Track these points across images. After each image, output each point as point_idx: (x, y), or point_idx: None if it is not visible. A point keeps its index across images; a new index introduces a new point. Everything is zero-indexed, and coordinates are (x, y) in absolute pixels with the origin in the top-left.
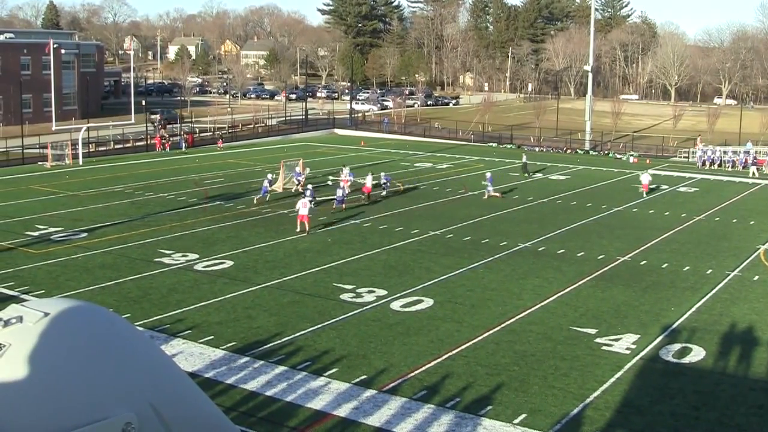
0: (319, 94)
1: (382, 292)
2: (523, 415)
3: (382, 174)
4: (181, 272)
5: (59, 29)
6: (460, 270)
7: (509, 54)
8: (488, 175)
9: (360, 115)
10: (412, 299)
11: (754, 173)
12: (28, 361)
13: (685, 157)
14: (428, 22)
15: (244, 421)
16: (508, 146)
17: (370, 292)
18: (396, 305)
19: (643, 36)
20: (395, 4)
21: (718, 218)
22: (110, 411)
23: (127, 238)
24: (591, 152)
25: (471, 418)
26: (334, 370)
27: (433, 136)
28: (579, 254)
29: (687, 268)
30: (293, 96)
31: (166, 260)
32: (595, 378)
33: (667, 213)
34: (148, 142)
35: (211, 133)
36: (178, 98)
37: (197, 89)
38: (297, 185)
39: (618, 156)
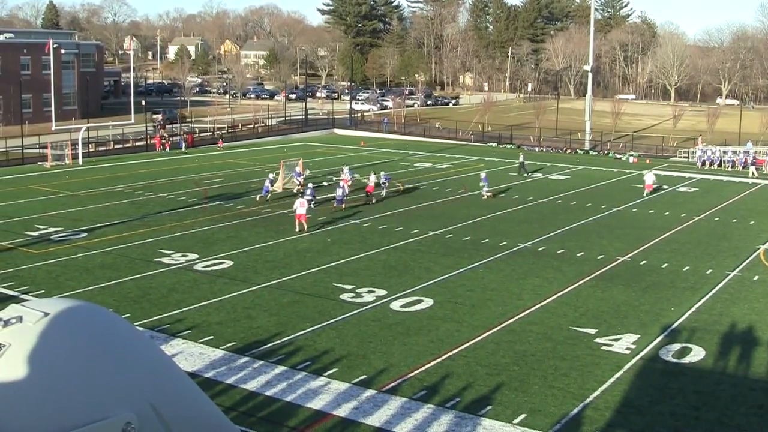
0: (318, 94)
1: (382, 292)
2: (523, 415)
3: (382, 173)
4: (180, 272)
5: (59, 29)
6: (460, 270)
7: (509, 54)
8: (483, 175)
9: (360, 115)
10: (411, 299)
11: (753, 173)
12: (28, 361)
13: (684, 157)
14: (428, 22)
15: (244, 421)
16: (508, 146)
17: (369, 292)
18: (396, 305)
19: (643, 36)
20: (395, 4)
21: (717, 218)
22: (110, 411)
23: (126, 238)
24: (591, 152)
25: (471, 418)
26: (333, 370)
27: (432, 136)
28: (579, 254)
29: (687, 268)
30: (293, 96)
31: (165, 260)
32: (595, 378)
33: (666, 213)
34: (148, 142)
35: (210, 133)
36: (178, 98)
37: (197, 89)
38: (297, 185)
39: (618, 156)
